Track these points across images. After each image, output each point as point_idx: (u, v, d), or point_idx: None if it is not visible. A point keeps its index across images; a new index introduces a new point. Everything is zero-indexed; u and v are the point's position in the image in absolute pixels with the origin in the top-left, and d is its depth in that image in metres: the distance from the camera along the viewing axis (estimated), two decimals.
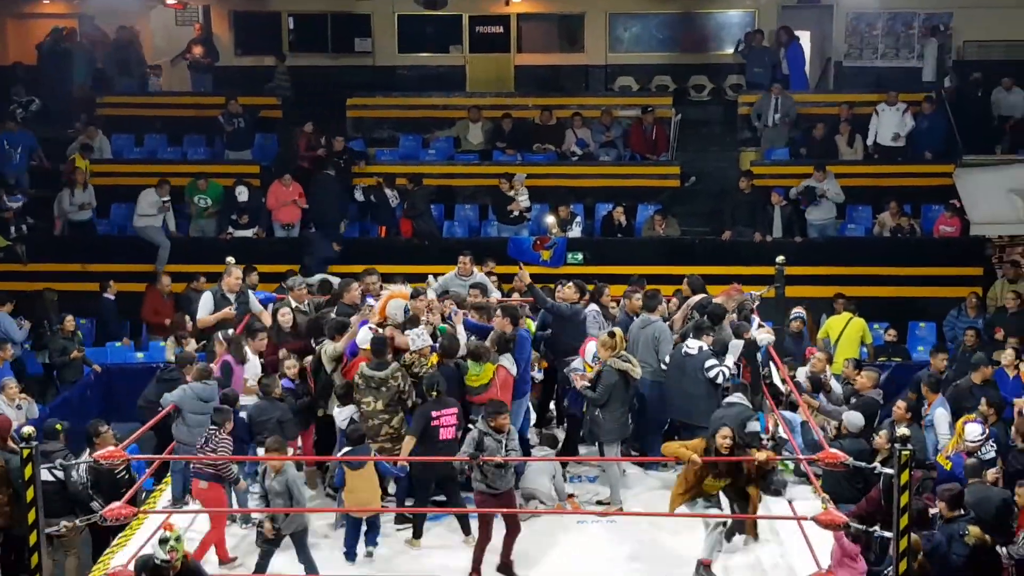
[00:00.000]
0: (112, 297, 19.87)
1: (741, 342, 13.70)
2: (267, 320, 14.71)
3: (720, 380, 13.24)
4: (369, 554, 12.08)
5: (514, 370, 13.20)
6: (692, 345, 13.59)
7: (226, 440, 12.06)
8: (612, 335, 13.27)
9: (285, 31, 26.33)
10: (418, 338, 12.80)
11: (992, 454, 12.72)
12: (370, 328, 13.02)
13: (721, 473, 11.53)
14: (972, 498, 11.80)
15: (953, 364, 16.69)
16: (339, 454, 12.20)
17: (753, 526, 12.34)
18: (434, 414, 12.17)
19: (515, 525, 11.73)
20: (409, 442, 12.19)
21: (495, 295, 15.64)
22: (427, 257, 19.61)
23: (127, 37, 25.23)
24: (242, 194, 21.32)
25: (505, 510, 11.73)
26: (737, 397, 12.81)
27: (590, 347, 13.59)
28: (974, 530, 11.48)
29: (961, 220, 20.52)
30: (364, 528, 12.08)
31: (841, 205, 21.37)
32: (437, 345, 13.13)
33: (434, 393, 12.28)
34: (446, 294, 14.66)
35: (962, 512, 11.56)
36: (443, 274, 15.76)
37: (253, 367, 13.53)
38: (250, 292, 15.36)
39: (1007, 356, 15.88)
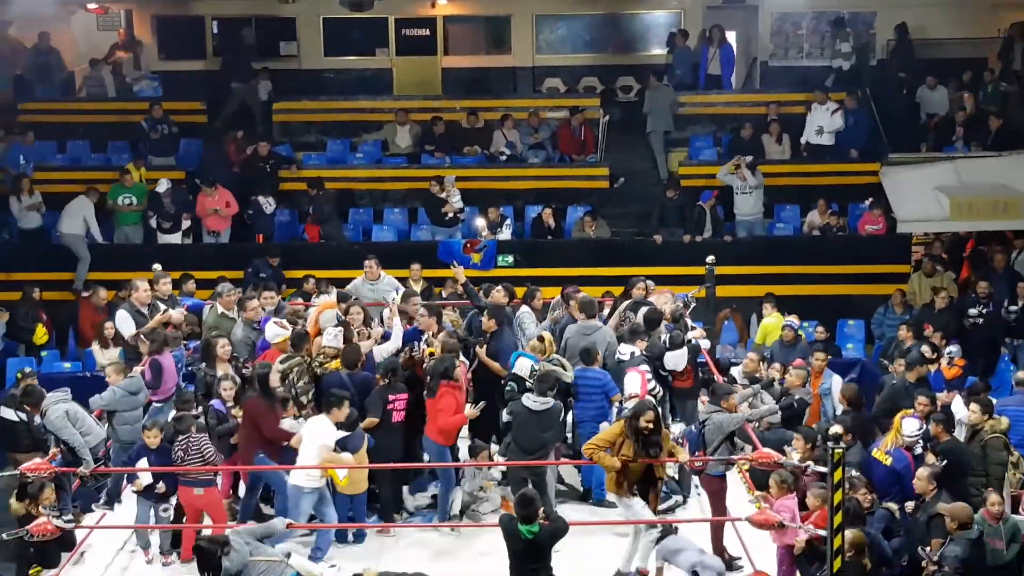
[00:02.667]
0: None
1: (684, 350, 13.61)
2: (179, 319, 14.66)
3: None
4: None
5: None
6: (625, 351, 13.51)
7: (204, 438, 11.95)
8: (541, 339, 13.28)
9: (209, 35, 25.96)
10: (329, 335, 13.22)
11: (920, 450, 12.84)
12: (275, 322, 13.44)
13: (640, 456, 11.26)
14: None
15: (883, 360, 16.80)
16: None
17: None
18: (390, 397, 12.74)
19: None
20: (370, 423, 12.57)
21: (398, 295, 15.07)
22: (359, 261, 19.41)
23: (47, 43, 24.72)
24: (162, 186, 20.79)
25: None
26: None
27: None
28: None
29: (887, 218, 20.71)
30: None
31: (769, 204, 21.49)
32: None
33: (386, 380, 12.73)
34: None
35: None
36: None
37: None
38: (158, 303, 14.84)
39: (928, 352, 16.05)
